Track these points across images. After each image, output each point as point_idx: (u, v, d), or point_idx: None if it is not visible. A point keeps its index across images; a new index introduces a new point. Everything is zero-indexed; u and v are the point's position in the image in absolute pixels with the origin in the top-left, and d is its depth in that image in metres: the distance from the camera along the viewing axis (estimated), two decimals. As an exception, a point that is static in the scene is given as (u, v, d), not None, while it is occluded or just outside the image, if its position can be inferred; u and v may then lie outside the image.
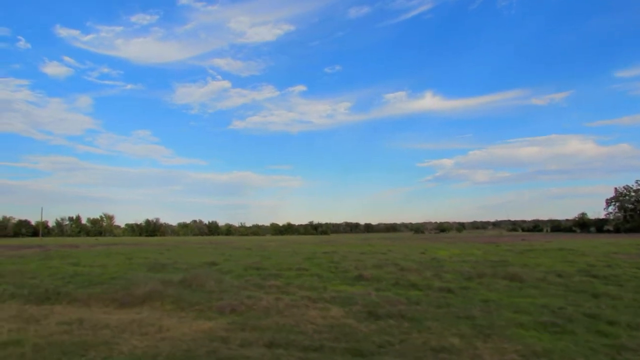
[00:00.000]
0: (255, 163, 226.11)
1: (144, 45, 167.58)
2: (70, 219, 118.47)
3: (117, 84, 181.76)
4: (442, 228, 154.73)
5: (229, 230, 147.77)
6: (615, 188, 79.34)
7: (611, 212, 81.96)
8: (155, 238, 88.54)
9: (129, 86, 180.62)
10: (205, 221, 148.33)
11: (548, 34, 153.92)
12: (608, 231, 79.60)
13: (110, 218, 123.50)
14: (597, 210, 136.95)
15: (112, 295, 10.07)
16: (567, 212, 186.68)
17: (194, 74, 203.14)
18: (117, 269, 17.02)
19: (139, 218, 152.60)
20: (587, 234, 76.94)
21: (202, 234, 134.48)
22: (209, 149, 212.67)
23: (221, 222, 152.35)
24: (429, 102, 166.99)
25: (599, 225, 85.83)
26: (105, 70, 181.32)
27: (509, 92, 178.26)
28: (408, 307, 8.99)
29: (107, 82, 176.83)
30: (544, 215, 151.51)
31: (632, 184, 77.20)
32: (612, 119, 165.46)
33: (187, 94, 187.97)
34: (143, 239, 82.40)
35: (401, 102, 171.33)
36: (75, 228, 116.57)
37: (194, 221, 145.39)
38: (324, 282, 12.89)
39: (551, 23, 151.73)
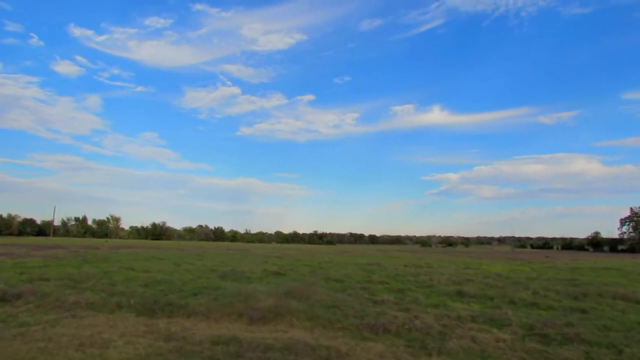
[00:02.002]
0: (261, 170, 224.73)
1: (156, 48, 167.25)
2: (77, 219, 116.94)
3: (128, 85, 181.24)
4: (449, 242, 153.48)
5: (235, 236, 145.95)
6: (631, 208, 78.95)
7: (625, 232, 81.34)
8: (168, 242, 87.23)
9: (139, 88, 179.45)
10: (211, 226, 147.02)
11: (558, 53, 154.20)
12: (622, 251, 78.73)
13: (116, 220, 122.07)
14: (600, 229, 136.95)
15: (233, 309, 9.15)
16: (571, 231, 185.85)
17: (204, 78, 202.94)
18: (189, 276, 16.08)
19: (143, 221, 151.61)
20: (600, 253, 76.18)
21: (207, 239, 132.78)
22: (216, 154, 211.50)
23: (226, 228, 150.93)
24: (437, 116, 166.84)
25: (613, 245, 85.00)
26: (116, 71, 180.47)
27: (517, 109, 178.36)
28: (572, 330, 8.09)
29: (117, 83, 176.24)
30: (548, 233, 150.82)
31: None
32: (618, 139, 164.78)
33: (197, 99, 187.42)
34: (157, 242, 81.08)
35: (409, 115, 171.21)
36: (81, 229, 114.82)
37: (200, 226, 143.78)
38: (432, 299, 11.98)
39: (562, 42, 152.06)
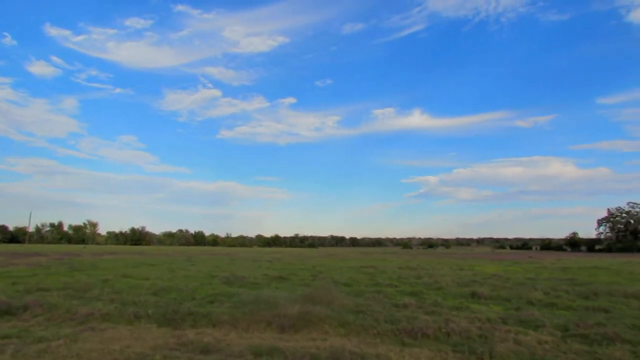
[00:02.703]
0: (242, 173, 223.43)
1: (136, 50, 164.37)
2: (52, 225, 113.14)
3: (106, 87, 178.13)
4: (429, 244, 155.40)
5: (215, 240, 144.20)
6: (608, 209, 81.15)
7: (602, 232, 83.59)
8: (149, 247, 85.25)
9: (117, 90, 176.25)
10: (191, 230, 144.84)
11: (536, 59, 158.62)
12: (600, 250, 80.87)
13: (94, 225, 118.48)
14: (575, 230, 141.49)
15: (259, 316, 8.79)
16: (547, 232, 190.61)
17: (185, 81, 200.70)
18: (194, 282, 15.56)
19: (121, 226, 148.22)
20: (578, 253, 78.02)
21: (188, 243, 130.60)
22: (196, 158, 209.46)
23: (206, 232, 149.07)
24: (417, 119, 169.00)
25: (590, 245, 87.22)
26: (94, 72, 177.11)
27: (495, 113, 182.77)
28: (607, 329, 8.02)
29: (95, 84, 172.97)
30: (525, 234, 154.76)
31: (623, 205, 79.17)
32: (593, 143, 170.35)
33: (177, 101, 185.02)
34: (138, 248, 79.13)
35: (389, 119, 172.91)
36: (56, 235, 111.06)
37: (180, 230, 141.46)
38: (450, 301, 11.84)
39: (540, 48, 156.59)
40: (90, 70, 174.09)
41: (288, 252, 64.94)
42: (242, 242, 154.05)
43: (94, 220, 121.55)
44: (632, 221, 77.24)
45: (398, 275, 19.68)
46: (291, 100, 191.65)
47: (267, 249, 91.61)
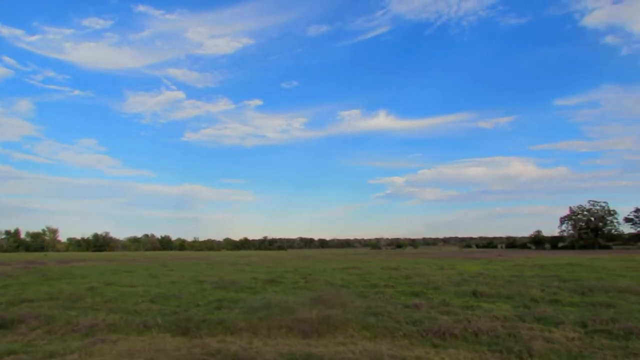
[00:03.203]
0: (207, 176, 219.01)
1: (95, 51, 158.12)
2: (8, 232, 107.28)
3: (63, 89, 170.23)
4: (398, 244, 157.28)
5: (182, 245, 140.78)
6: (570, 207, 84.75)
7: (564, 230, 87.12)
8: (115, 253, 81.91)
9: (75, 92, 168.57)
10: (156, 235, 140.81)
11: (496, 61, 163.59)
12: (563, 248, 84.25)
13: (53, 232, 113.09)
14: (535, 228, 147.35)
15: (277, 322, 8.47)
16: (509, 230, 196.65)
17: (147, 82, 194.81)
18: (190, 288, 14.99)
19: (82, 232, 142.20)
20: (542, 251, 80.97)
21: (154, 248, 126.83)
22: (159, 161, 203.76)
23: (172, 236, 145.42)
24: (383, 121, 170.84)
25: (554, 243, 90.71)
26: (51, 74, 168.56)
27: (458, 114, 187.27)
28: (620, 325, 8.18)
29: (51, 86, 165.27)
30: (489, 233, 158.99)
31: (584, 203, 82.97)
32: (552, 143, 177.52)
33: (139, 103, 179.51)
34: (104, 254, 75.78)
35: (356, 120, 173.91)
36: (13, 242, 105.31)
37: (146, 235, 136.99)
38: (455, 300, 11.84)
39: (500, 51, 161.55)
40: (46, 71, 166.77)
41: (262, 255, 64.13)
42: (210, 245, 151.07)
43: (54, 226, 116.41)
44: (592, 219, 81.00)
45: (388, 276, 19.66)
46: (257, 102, 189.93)
47: (238, 252, 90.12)
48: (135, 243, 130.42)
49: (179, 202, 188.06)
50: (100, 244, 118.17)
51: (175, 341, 7.58)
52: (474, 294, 13.05)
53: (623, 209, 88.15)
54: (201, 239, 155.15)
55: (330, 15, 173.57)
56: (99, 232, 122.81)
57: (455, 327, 8.00)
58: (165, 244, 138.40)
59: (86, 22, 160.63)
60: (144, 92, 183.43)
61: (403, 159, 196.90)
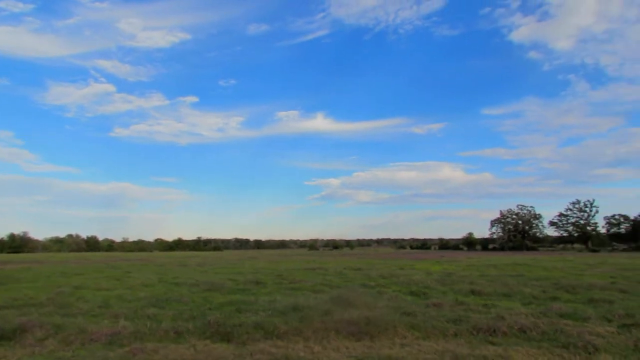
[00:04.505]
0: (138, 174, 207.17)
1: (12, 35, 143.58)
2: None
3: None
4: (335, 245, 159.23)
5: (111, 245, 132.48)
6: (501, 211, 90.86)
7: (495, 232, 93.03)
8: (37, 255, 74.89)
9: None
10: (82, 235, 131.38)
11: (430, 70, 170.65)
12: (494, 249, 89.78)
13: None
14: (463, 230, 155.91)
15: (321, 325, 8.08)
16: (441, 232, 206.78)
17: (73, 73, 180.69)
18: (175, 292, 14.02)
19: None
20: (474, 252, 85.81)
21: (79, 250, 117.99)
22: (85, 157, 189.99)
23: (99, 237, 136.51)
24: (320, 123, 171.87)
25: (484, 244, 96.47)
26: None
27: (393, 119, 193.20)
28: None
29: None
30: (420, 235, 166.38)
31: (513, 207, 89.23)
32: (478, 150, 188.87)
33: (63, 95, 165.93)
34: (27, 256, 69.06)
35: (293, 121, 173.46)
36: None
37: (70, 235, 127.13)
38: (461, 297, 12.05)
39: (434, 60, 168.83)
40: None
41: (206, 256, 61.87)
42: (141, 246, 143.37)
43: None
44: (520, 222, 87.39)
45: (365, 276, 19.64)
46: (192, 99, 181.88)
47: (178, 253, 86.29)
48: (58, 244, 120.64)
49: (106, 200, 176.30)
50: (17, 244, 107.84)
51: (223, 348, 6.96)
52: (473, 292, 13.40)
53: (543, 214, 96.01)
54: (131, 239, 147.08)
55: (270, 15, 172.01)
56: (16, 232, 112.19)
57: (498, 324, 8.08)
58: (91, 244, 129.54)
59: (1, 4, 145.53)
60: (69, 83, 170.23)
61: (339, 161, 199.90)
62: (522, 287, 14.17)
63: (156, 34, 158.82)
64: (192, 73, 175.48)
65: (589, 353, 6.50)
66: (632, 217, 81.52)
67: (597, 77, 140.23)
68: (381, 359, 6.18)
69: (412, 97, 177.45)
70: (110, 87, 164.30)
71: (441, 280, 17.27)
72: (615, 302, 11.04)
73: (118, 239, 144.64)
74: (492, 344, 7.16)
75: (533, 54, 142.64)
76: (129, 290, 14.45)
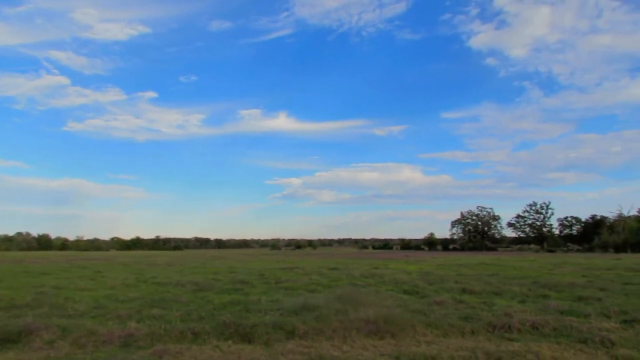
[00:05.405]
0: (93, 170, 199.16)
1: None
2: None
3: None
4: (297, 245, 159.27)
5: (65, 244, 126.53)
6: (461, 212, 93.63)
7: (455, 233, 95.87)
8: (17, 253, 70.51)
9: None
10: (32, 233, 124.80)
11: (391, 72, 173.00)
12: (455, 249, 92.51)
13: None
14: (422, 231, 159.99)
15: (339, 325, 8.04)
16: (401, 233, 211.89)
17: (23, 63, 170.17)
18: (167, 293, 13.53)
19: None
20: (436, 252, 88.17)
21: (30, 248, 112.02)
22: (36, 151, 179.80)
23: (51, 235, 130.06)
24: (283, 122, 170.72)
25: (445, 244, 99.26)
26: None
27: (355, 120, 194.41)
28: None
29: None
30: (381, 235, 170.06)
31: (473, 209, 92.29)
32: (437, 152, 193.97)
33: (12, 86, 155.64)
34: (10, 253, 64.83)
35: (256, 120, 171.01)
36: None
37: (20, 234, 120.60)
38: (458, 296, 12.32)
39: (396, 63, 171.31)
40: None
41: (170, 256, 60.20)
42: (97, 245, 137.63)
43: None
44: (480, 223, 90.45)
45: (348, 275, 19.74)
46: (151, 94, 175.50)
47: (138, 253, 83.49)
48: (6, 242, 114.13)
49: (58, 197, 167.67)
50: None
51: (249, 349, 6.81)
52: (464, 290, 13.75)
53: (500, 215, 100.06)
54: (85, 237, 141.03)
55: (233, 12, 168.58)
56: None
57: (510, 321, 8.33)
58: (43, 243, 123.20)
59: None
60: (19, 73, 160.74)
61: (301, 160, 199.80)
62: (508, 286, 14.64)
63: (114, 27, 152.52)
64: (151, 68, 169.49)
65: (607, 347, 6.82)
66: (583, 219, 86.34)
67: (549, 85, 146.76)
68: (416, 357, 6.24)
69: (374, 98, 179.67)
70: (64, 80, 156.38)
71: (424, 279, 17.61)
72: (603, 300, 11.62)
73: (72, 237, 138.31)
74: (511, 340, 7.37)
75: (490, 61, 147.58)
76: (113, 291, 13.88)
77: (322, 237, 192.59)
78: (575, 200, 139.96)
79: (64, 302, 10.85)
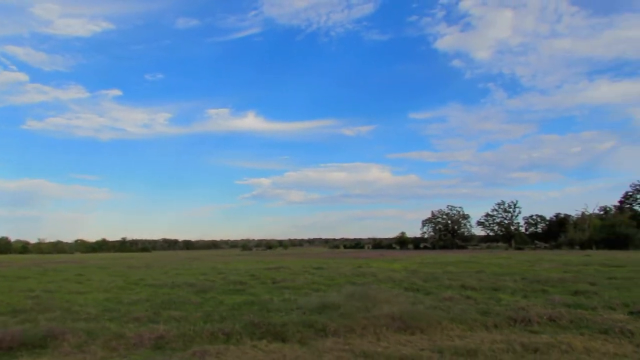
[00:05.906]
0: (54, 170, 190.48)
1: None
2: None
3: None
4: (269, 245, 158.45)
5: (25, 247, 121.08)
6: (432, 211, 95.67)
7: (426, 232, 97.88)
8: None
9: None
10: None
11: (360, 73, 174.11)
12: (425, 248, 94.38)
13: None
14: (393, 230, 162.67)
15: (368, 322, 8.12)
16: (371, 232, 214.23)
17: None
18: (164, 294, 13.19)
19: None
20: (409, 251, 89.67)
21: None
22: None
23: (9, 237, 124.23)
24: (251, 121, 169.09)
25: (416, 243, 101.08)
26: None
27: (324, 120, 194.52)
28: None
29: None
30: (350, 235, 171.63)
31: (444, 208, 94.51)
32: (405, 152, 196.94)
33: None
34: None
35: (224, 119, 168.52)
36: None
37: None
38: (464, 292, 12.62)
39: (363, 63, 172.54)
40: None
41: (146, 258, 58.69)
42: (60, 248, 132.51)
43: None
44: (450, 222, 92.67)
45: (338, 274, 19.85)
46: (116, 92, 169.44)
47: (105, 255, 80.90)
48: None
49: (17, 198, 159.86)
50: None
51: (287, 347, 6.79)
52: (463, 287, 14.10)
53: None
54: (48, 240, 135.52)
55: (200, 10, 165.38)
56: None
57: (528, 315, 8.64)
58: (2, 246, 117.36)
59: None
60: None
61: (270, 160, 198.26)
62: (502, 282, 15.12)
63: (75, 22, 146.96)
64: (115, 65, 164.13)
65: (629, 337, 7.19)
66: (547, 218, 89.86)
67: (513, 86, 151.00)
68: (458, 350, 6.39)
69: (343, 98, 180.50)
70: (23, 76, 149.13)
71: (416, 277, 17.92)
72: (599, 293, 12.18)
73: (33, 240, 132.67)
74: (535, 332, 7.66)
75: (456, 62, 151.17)
76: (110, 294, 13.48)
77: (292, 237, 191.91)
78: (538, 199, 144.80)
79: (70, 306, 10.45)
